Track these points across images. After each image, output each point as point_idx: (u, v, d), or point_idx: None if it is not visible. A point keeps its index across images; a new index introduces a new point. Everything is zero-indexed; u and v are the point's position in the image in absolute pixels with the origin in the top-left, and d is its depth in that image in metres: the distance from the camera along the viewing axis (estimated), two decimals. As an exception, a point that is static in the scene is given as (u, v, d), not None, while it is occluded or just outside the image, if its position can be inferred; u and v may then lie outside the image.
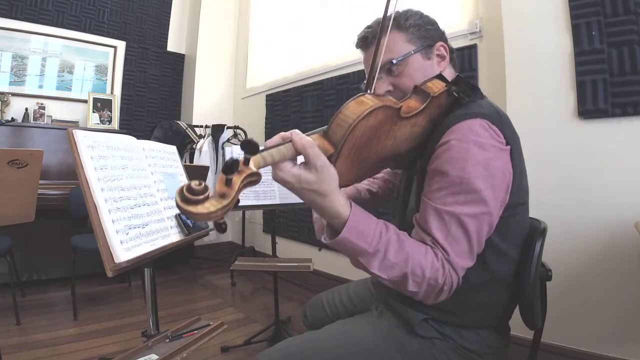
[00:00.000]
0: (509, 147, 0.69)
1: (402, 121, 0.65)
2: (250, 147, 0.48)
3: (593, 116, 1.38)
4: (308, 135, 0.59)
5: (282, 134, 0.58)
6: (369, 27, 0.84)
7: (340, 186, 0.61)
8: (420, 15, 0.83)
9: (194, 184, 0.44)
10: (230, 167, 0.45)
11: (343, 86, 2.54)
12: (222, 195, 0.45)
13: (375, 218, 0.64)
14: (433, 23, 0.84)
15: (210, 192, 0.45)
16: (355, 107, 0.58)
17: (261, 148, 0.53)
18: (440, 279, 0.62)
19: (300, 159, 0.58)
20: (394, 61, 0.78)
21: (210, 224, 0.50)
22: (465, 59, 1.84)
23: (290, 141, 0.55)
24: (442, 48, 0.83)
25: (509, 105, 1.57)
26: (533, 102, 1.52)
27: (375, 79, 0.75)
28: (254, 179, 0.49)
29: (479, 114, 0.68)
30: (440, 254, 0.64)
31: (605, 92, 1.35)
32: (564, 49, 1.44)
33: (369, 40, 0.83)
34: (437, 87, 0.72)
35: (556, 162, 1.45)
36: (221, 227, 0.49)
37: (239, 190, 0.47)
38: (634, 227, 1.07)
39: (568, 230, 1.41)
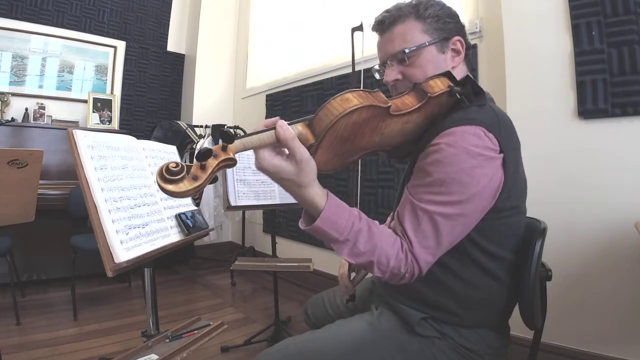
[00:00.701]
0: (502, 155, 0.68)
1: (391, 118, 0.66)
2: (225, 137, 0.53)
3: (593, 116, 1.38)
4: (296, 122, 0.61)
5: (267, 120, 0.60)
6: (387, 11, 0.81)
7: (324, 172, 0.65)
8: (441, 6, 0.80)
9: (172, 165, 0.50)
10: (202, 156, 0.51)
11: (343, 86, 2.54)
12: (195, 178, 0.51)
13: (349, 210, 0.67)
14: (454, 16, 0.82)
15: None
16: (339, 103, 0.59)
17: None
18: (402, 268, 0.66)
19: None
20: (407, 50, 0.77)
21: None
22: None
23: (274, 129, 0.58)
24: (458, 43, 0.81)
25: (509, 106, 1.57)
26: (533, 102, 1.52)
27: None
28: (229, 163, 0.54)
29: (475, 121, 0.68)
30: (405, 245, 0.67)
31: (605, 92, 1.35)
32: (564, 49, 1.44)
33: (385, 24, 0.81)
34: (439, 86, 0.71)
35: (556, 162, 1.45)
36: (194, 201, 0.57)
37: (213, 172, 0.52)
38: (634, 227, 1.07)
39: (568, 230, 1.41)
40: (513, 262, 0.77)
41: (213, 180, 0.54)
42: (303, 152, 0.59)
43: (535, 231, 0.79)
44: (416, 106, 0.68)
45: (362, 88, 0.62)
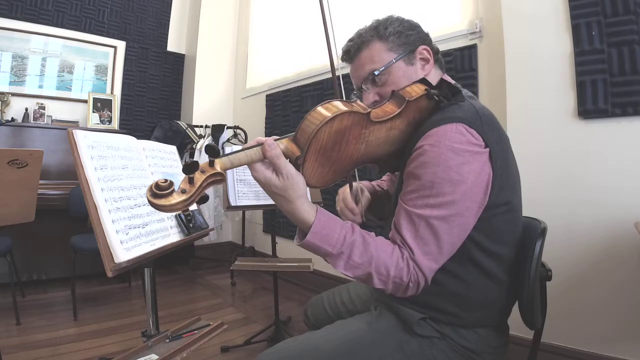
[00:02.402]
0: (487, 149, 0.69)
1: (374, 125, 0.67)
2: (211, 151, 0.55)
3: (593, 116, 1.38)
4: (283, 137, 0.64)
5: (259, 138, 0.63)
6: (350, 40, 0.86)
7: (315, 187, 0.67)
8: (400, 21, 0.83)
9: (160, 181, 0.52)
10: (188, 167, 0.52)
11: (343, 86, 2.53)
12: (184, 191, 0.53)
13: (341, 223, 0.67)
14: (414, 27, 0.84)
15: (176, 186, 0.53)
16: (319, 113, 0.61)
17: (234, 150, 0.60)
18: (404, 277, 0.66)
19: None
20: (376, 72, 0.80)
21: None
22: (465, 59, 1.84)
23: (261, 145, 0.61)
24: (424, 51, 0.83)
25: (508, 106, 1.57)
26: (533, 102, 1.52)
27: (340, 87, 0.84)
28: (217, 179, 0.56)
29: (456, 118, 0.69)
30: (406, 253, 0.67)
31: (605, 92, 1.35)
32: (564, 49, 1.44)
33: (352, 53, 0.85)
34: (416, 91, 0.73)
35: (556, 162, 1.45)
36: (189, 220, 0.59)
37: (201, 187, 0.53)
38: (634, 227, 1.07)
39: (568, 230, 1.41)
40: (512, 261, 0.77)
41: (202, 199, 0.55)
42: (289, 168, 0.62)
43: (535, 231, 0.79)
44: (397, 112, 0.69)
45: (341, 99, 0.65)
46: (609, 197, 1.34)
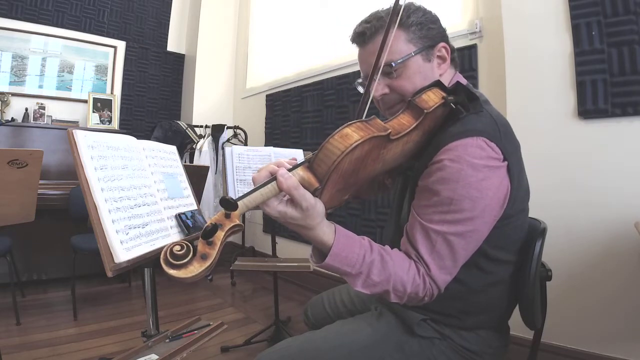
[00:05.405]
0: (505, 162, 0.67)
1: (392, 143, 0.62)
2: (228, 205, 0.51)
3: (593, 116, 1.38)
4: (297, 166, 0.58)
5: (271, 168, 0.58)
6: (367, 22, 0.78)
7: (328, 208, 0.62)
8: (423, 11, 0.77)
9: (176, 249, 0.47)
10: (210, 233, 0.49)
11: (343, 86, 2.54)
12: (204, 256, 0.48)
13: (359, 241, 0.65)
14: (436, 21, 0.79)
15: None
16: (340, 142, 0.55)
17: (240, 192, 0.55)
18: (420, 292, 0.65)
19: None
20: (393, 64, 0.74)
21: None
22: (465, 59, 1.84)
23: (275, 180, 0.55)
24: (443, 49, 0.78)
25: (508, 106, 1.57)
26: (533, 102, 1.52)
27: (376, 80, 0.73)
28: (236, 230, 0.52)
29: (475, 132, 0.66)
30: (422, 269, 0.66)
31: (605, 92, 1.35)
32: (564, 49, 1.44)
33: (366, 36, 0.77)
34: (433, 100, 0.67)
35: (556, 162, 1.45)
36: (206, 277, 0.56)
37: (222, 246, 0.50)
38: (634, 227, 1.07)
39: (568, 230, 1.41)
40: (513, 263, 0.77)
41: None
42: (308, 198, 0.56)
43: (535, 231, 0.79)
44: (414, 125, 0.65)
45: (358, 119, 0.59)
46: (608, 197, 1.34)
